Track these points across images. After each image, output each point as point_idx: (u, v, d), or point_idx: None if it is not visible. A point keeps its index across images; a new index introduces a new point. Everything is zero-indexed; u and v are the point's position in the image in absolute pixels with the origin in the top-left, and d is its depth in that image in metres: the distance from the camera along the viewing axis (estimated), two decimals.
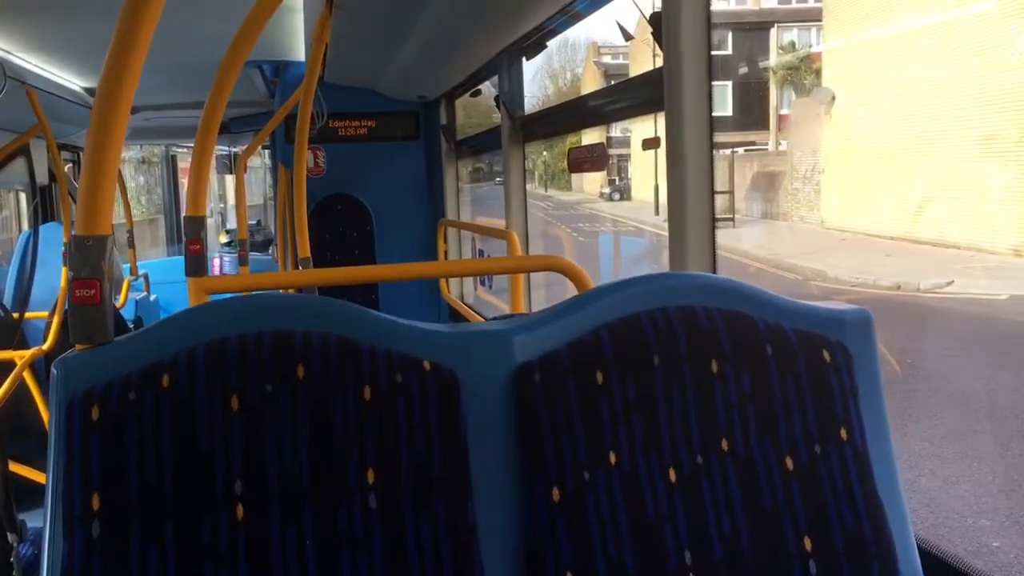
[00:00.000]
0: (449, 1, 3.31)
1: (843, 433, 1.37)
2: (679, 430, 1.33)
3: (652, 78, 2.46)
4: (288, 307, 1.34)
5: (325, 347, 1.28)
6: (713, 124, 2.15)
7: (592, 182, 34.55)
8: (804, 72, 25.65)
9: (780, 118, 26.36)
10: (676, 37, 2.12)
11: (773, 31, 28.36)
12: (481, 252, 5.78)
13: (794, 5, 28.98)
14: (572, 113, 3.71)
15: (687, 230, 2.17)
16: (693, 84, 2.12)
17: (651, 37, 2.28)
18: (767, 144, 26.69)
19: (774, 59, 27.74)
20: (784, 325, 1.40)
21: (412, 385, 1.29)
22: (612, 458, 1.30)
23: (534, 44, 3.85)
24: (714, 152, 2.18)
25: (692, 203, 2.17)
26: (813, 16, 25.54)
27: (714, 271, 2.17)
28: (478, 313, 5.22)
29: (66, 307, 4.89)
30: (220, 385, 1.24)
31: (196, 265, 2.48)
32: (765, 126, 27.08)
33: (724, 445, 1.34)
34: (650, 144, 2.63)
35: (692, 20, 2.10)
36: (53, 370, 1.26)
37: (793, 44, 27.77)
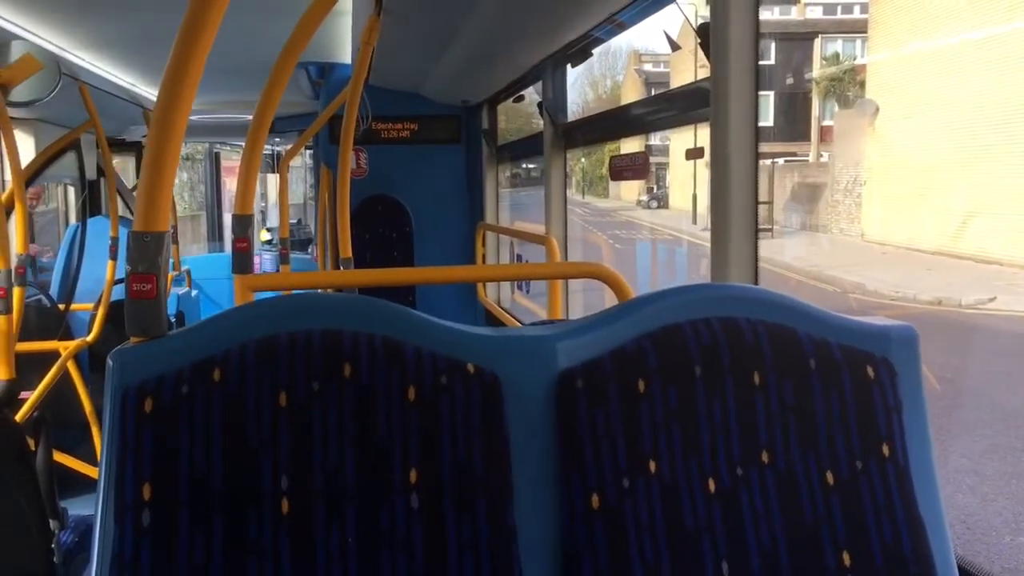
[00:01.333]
0: (496, 7, 3.33)
1: (885, 449, 1.37)
2: (719, 441, 1.33)
3: (698, 88, 2.46)
4: (337, 307, 1.36)
5: (372, 347, 1.30)
6: (759, 135, 2.15)
7: (629, 190, 34.43)
8: (848, 83, 25.40)
9: (822, 129, 26.13)
10: (724, 47, 2.12)
11: (817, 42, 28.13)
12: (519, 257, 5.80)
13: (839, 16, 28.72)
14: (615, 121, 3.72)
15: (730, 240, 2.17)
16: (740, 95, 2.11)
17: (695, 46, 2.29)
18: (808, 155, 26.45)
19: (817, 70, 27.50)
20: (828, 339, 1.40)
21: (456, 387, 1.30)
22: (652, 467, 1.31)
23: (579, 51, 3.86)
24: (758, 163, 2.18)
25: (735, 214, 2.17)
26: (858, 27, 25.28)
27: (756, 282, 2.16)
28: (515, 318, 5.24)
29: (112, 299, 4.98)
30: (269, 381, 1.27)
31: (243, 262, 2.52)
32: (806, 137, 26.85)
33: (765, 457, 1.34)
34: (694, 154, 2.63)
35: (740, 31, 2.10)
36: (109, 361, 1.29)
37: (837, 55, 27.51)
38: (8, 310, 3.56)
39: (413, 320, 1.35)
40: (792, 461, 1.34)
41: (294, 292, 2.57)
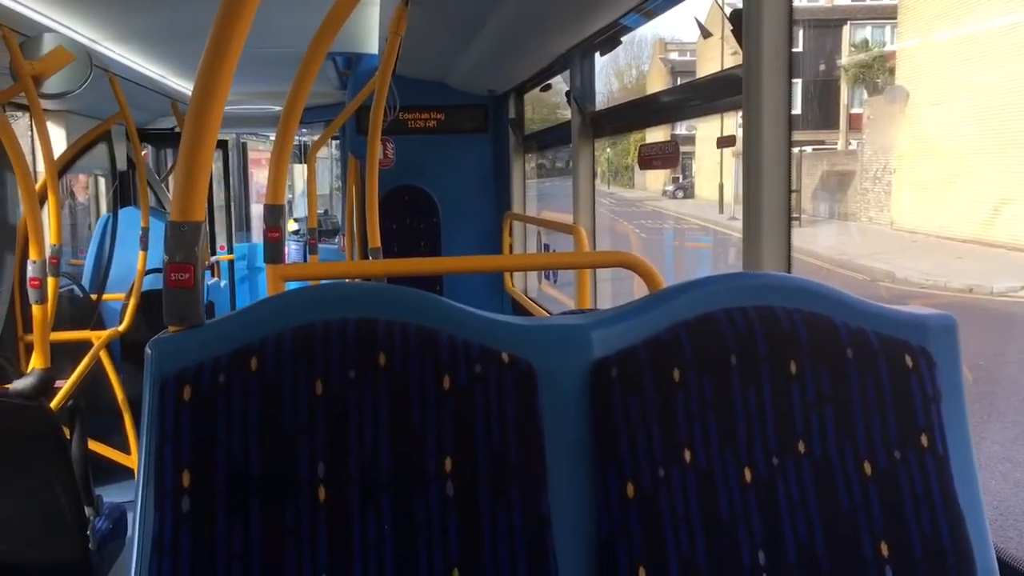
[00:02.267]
0: None
1: (924, 439, 1.35)
2: (755, 430, 1.33)
3: (729, 75, 2.44)
4: (371, 296, 1.36)
5: (406, 336, 1.31)
6: (792, 123, 2.13)
7: (655, 180, 34.19)
8: (877, 70, 25.09)
9: (851, 117, 25.85)
10: (757, 34, 2.10)
11: (846, 28, 27.79)
12: (546, 246, 5.79)
13: (868, 2, 28.35)
14: (644, 109, 3.70)
15: (763, 229, 2.15)
16: (773, 82, 2.10)
17: (723, 33, 2.27)
18: (836, 143, 26.18)
19: (846, 57, 27.19)
20: (866, 328, 1.39)
21: (490, 376, 1.31)
22: (687, 456, 1.30)
23: (608, 39, 3.84)
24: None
25: (768, 202, 2.15)
26: (888, 13, 24.93)
27: (789, 271, 2.15)
28: (542, 307, 5.23)
29: (143, 290, 5.03)
30: (305, 370, 1.27)
31: (274, 252, 2.53)
32: (835, 125, 26.55)
33: (801, 447, 1.33)
34: (725, 142, 2.61)
35: (774, 17, 2.08)
36: (147, 350, 1.30)
37: (866, 42, 27.17)
38: (43, 300, 3.60)
39: (446, 309, 1.36)
40: (829, 451, 1.33)
41: (324, 282, 2.58)
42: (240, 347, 1.29)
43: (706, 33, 3.04)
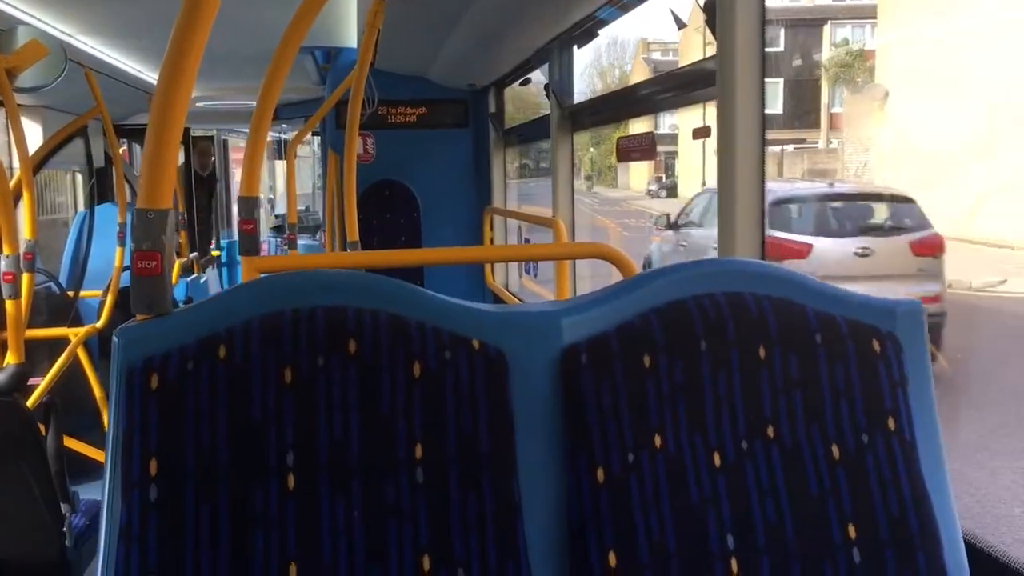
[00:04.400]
0: None
1: (891, 423, 1.36)
2: (725, 415, 1.33)
3: (704, 67, 2.45)
4: (341, 283, 1.35)
5: (376, 323, 1.30)
6: (765, 112, 2.14)
7: (639, 179, 34.36)
8: (857, 69, 25.28)
9: (831, 116, 26.02)
10: (730, 25, 2.11)
11: (826, 28, 27.99)
12: (527, 241, 5.80)
13: (848, 2, 28.55)
14: (621, 102, 3.71)
15: (736, 219, 2.16)
16: (746, 71, 2.10)
17: (702, 29, 2.28)
18: (817, 142, 26.36)
19: (826, 56, 27.37)
20: (834, 314, 1.40)
21: (461, 363, 1.30)
22: (657, 441, 1.30)
23: (585, 32, 3.85)
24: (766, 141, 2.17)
25: (742, 193, 2.16)
26: (867, 13, 25.14)
27: (763, 260, 2.15)
28: (523, 301, 5.24)
29: (121, 286, 4.99)
30: (274, 357, 1.26)
31: (249, 244, 2.52)
32: (816, 124, 26.75)
33: (770, 432, 1.34)
34: (701, 133, 2.62)
35: (747, 8, 2.09)
36: (114, 338, 1.29)
37: (847, 41, 27.37)
38: (17, 295, 3.57)
39: (418, 296, 1.35)
40: (797, 435, 1.34)
41: None
42: (208, 335, 1.28)
43: (680, 24, 3.05)
